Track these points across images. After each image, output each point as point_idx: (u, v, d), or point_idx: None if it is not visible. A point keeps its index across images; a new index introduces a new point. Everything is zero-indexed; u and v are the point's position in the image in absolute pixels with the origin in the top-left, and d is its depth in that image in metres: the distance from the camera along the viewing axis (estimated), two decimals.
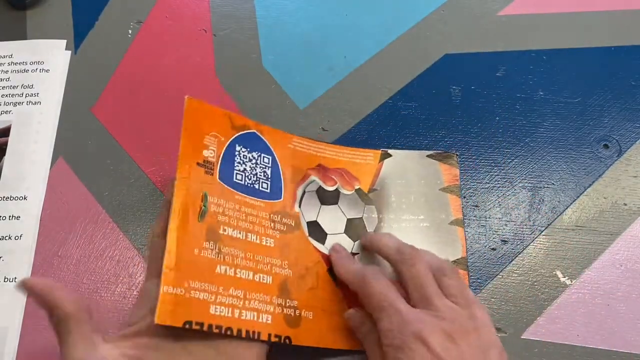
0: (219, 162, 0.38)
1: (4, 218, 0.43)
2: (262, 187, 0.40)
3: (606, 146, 0.46)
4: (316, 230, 0.41)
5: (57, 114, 0.47)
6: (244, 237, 0.37)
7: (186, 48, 0.51)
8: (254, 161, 0.40)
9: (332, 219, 0.42)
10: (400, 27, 0.52)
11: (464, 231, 0.42)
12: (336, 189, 0.43)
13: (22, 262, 0.41)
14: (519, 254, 0.42)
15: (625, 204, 0.44)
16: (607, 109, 0.48)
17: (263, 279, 0.36)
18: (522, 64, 0.50)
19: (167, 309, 0.31)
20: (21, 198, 0.44)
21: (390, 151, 0.45)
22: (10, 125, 0.47)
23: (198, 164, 0.37)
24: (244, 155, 0.40)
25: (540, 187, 0.45)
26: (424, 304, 0.33)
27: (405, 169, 0.45)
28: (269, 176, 0.41)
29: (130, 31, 0.51)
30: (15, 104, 0.47)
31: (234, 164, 0.39)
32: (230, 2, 0.53)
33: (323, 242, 0.41)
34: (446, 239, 0.42)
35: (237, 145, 0.40)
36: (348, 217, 0.42)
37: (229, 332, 0.32)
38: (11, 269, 0.41)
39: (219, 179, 0.38)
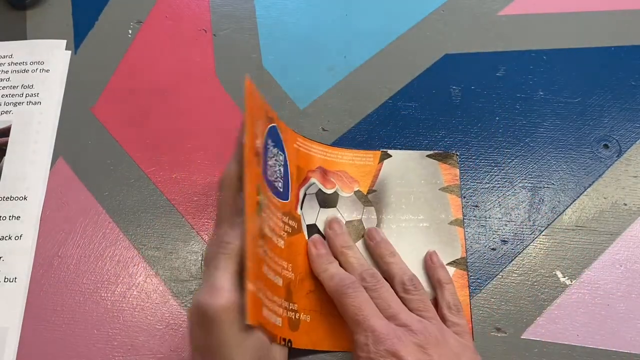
0: (262, 153, 0.36)
1: (4, 218, 0.43)
2: (278, 186, 0.39)
3: (606, 146, 0.46)
4: (315, 233, 0.41)
5: (57, 114, 0.47)
6: (271, 237, 0.36)
7: (186, 48, 0.51)
8: (275, 158, 0.39)
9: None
10: (400, 27, 0.52)
11: (463, 231, 0.42)
12: (335, 191, 0.43)
13: (22, 262, 0.41)
14: (519, 254, 0.42)
15: (625, 204, 0.44)
16: (607, 109, 0.48)
17: (277, 281, 0.36)
18: (522, 64, 0.50)
19: (255, 309, 0.31)
20: (21, 198, 0.44)
21: (390, 151, 0.45)
22: (10, 125, 0.47)
23: (255, 153, 0.35)
24: (271, 150, 0.38)
25: (540, 187, 0.45)
26: (393, 321, 0.34)
27: (405, 169, 0.45)
28: (282, 175, 0.40)
29: (130, 31, 0.52)
30: (15, 104, 0.47)
31: (267, 157, 0.37)
32: (230, 2, 0.53)
33: None
34: (446, 239, 0.42)
35: (269, 139, 0.38)
36: (347, 219, 0.42)
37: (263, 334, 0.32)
38: (11, 269, 0.41)
39: (262, 172, 0.36)
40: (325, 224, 0.42)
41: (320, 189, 0.43)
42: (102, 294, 0.41)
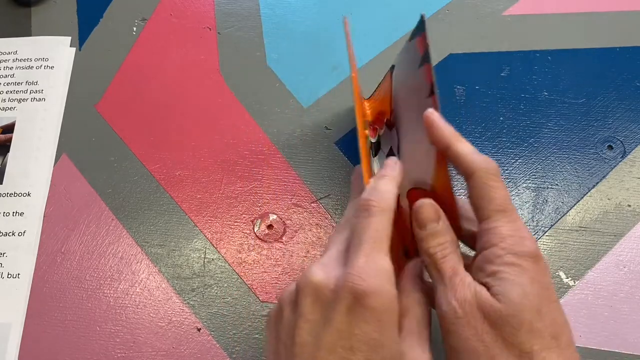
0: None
1: (7, 214, 0.43)
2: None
3: (610, 147, 0.46)
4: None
5: (61, 110, 0.48)
6: None
7: (190, 46, 0.51)
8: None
9: (382, 165, 0.41)
10: (404, 26, 0.52)
11: (435, 98, 0.33)
12: (378, 135, 0.42)
13: (25, 259, 0.42)
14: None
15: (629, 205, 0.44)
16: (611, 110, 0.48)
17: None
18: (526, 64, 0.50)
19: None
20: (25, 194, 0.44)
21: (395, 60, 0.42)
22: (15, 121, 0.47)
23: (358, 92, 0.35)
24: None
25: (544, 188, 0.45)
26: None
27: (400, 68, 0.40)
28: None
29: (134, 28, 0.52)
30: (19, 101, 0.48)
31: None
32: (235, 0, 0.53)
33: None
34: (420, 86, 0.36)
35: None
36: (386, 154, 0.41)
37: None
38: (14, 265, 0.41)
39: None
40: None
41: (370, 141, 0.42)
42: (105, 291, 0.41)
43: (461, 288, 0.27)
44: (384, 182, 0.30)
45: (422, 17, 0.35)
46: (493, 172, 0.29)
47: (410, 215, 0.34)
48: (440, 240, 0.29)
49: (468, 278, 0.28)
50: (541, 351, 0.26)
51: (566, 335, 0.27)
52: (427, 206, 0.30)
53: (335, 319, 0.25)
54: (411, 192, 0.36)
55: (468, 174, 0.29)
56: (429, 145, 0.33)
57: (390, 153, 0.41)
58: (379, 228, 0.27)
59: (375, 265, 0.26)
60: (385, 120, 0.42)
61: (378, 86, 0.45)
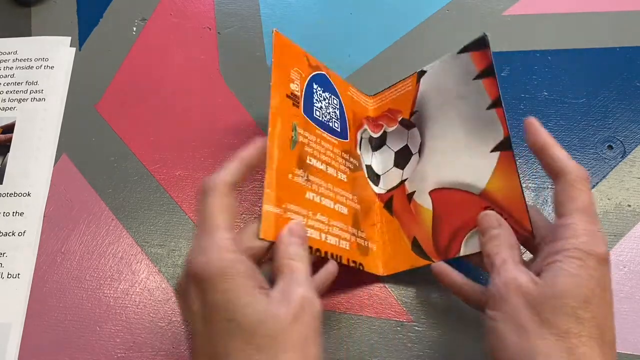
0: (302, 96, 0.40)
1: (7, 214, 0.43)
2: (334, 125, 0.42)
3: (610, 147, 0.46)
4: (371, 173, 0.44)
5: (61, 110, 0.48)
6: (325, 169, 0.39)
7: (190, 46, 0.51)
8: (327, 101, 0.42)
9: (383, 160, 0.44)
10: (404, 26, 0.52)
11: (503, 110, 0.37)
12: (383, 131, 0.45)
13: (25, 258, 0.42)
14: (523, 254, 0.42)
15: (629, 205, 0.44)
16: (611, 110, 0.48)
17: (341, 209, 0.39)
18: (526, 64, 0.50)
19: (269, 225, 0.33)
20: (25, 194, 0.44)
21: (426, 67, 0.44)
22: (15, 121, 0.47)
23: (287, 95, 0.38)
24: (319, 94, 0.42)
25: (544, 188, 0.45)
26: None
27: (441, 77, 0.42)
28: (338, 117, 0.42)
29: (134, 28, 0.52)
30: (19, 101, 0.48)
31: (313, 100, 0.41)
32: (235, 0, 0.53)
33: (377, 184, 0.44)
34: (486, 126, 0.37)
35: (314, 83, 0.42)
36: (395, 150, 0.44)
37: (317, 253, 0.35)
38: (14, 265, 0.41)
39: (303, 112, 0.39)
40: None
41: (370, 135, 0.45)
42: (105, 291, 0.41)
43: (504, 272, 0.30)
44: (228, 162, 0.32)
45: (485, 35, 0.39)
46: (583, 177, 0.31)
47: (434, 214, 0.39)
48: (495, 242, 0.33)
49: (514, 266, 0.31)
50: (580, 336, 0.27)
51: (612, 336, 0.28)
52: (488, 216, 0.35)
53: (192, 305, 0.28)
54: (440, 192, 0.39)
55: (559, 175, 0.32)
56: (489, 152, 0.37)
57: (405, 150, 0.44)
58: (209, 207, 0.30)
59: (203, 243, 0.28)
60: (399, 119, 0.44)
61: (391, 86, 0.46)
